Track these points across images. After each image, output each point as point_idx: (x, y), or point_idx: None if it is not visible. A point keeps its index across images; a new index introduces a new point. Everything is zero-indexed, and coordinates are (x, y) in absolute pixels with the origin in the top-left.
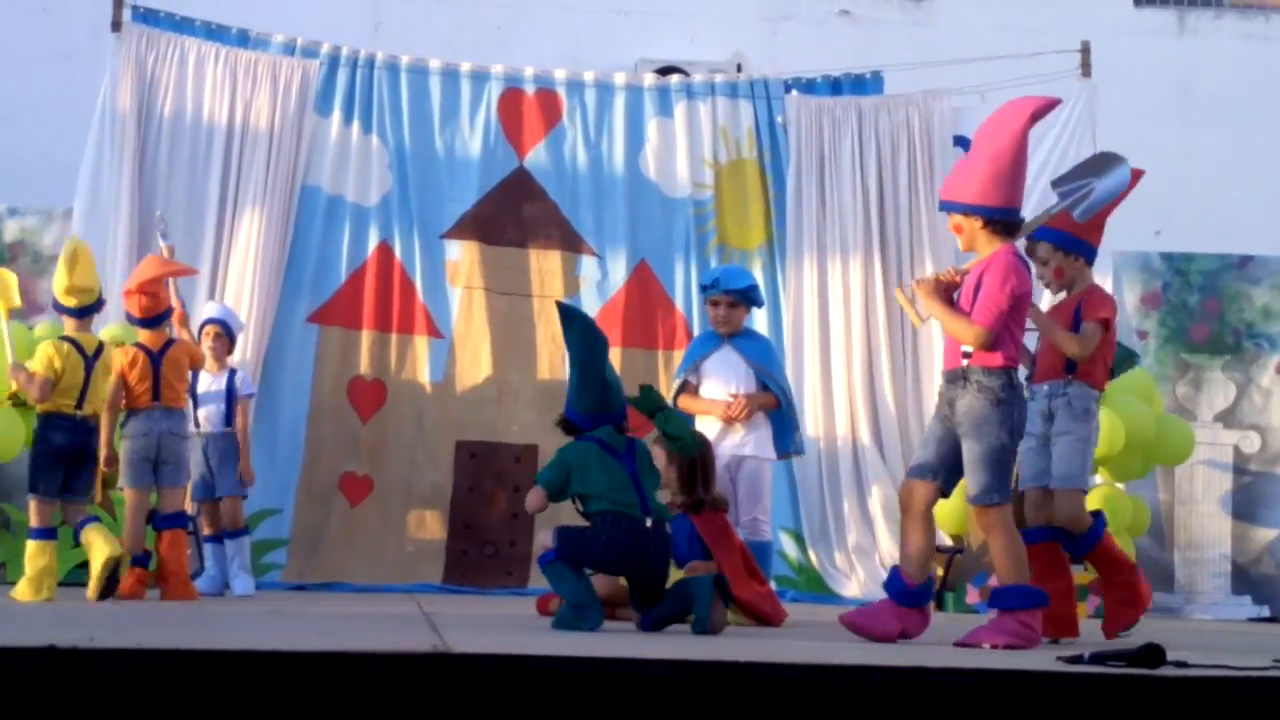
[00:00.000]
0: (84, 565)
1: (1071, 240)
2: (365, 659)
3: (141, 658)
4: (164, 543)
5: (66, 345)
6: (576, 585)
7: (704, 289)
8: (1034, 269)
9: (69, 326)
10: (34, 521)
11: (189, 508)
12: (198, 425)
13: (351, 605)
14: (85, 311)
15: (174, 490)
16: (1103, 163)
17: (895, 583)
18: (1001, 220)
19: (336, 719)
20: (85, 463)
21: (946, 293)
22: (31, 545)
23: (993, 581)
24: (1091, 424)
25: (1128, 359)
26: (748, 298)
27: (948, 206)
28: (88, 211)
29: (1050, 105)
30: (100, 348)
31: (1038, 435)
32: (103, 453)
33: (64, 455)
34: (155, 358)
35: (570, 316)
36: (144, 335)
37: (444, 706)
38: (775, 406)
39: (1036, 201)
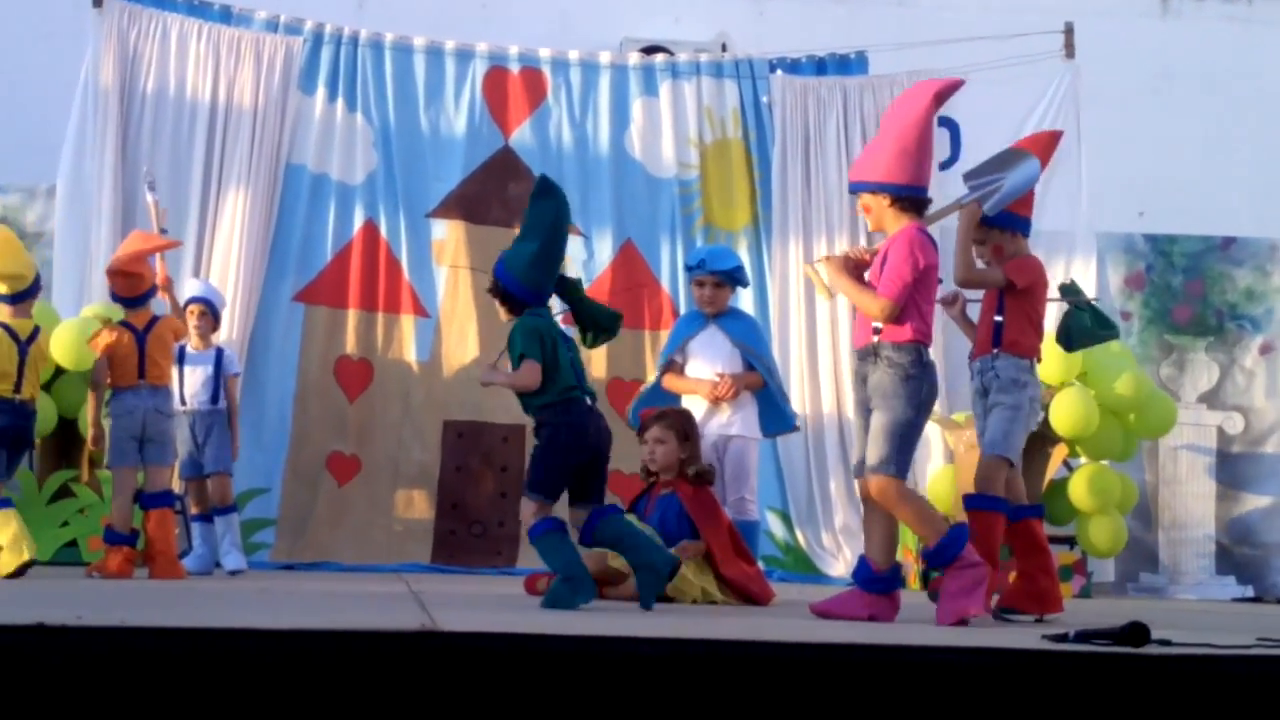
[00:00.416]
0: (72, 544)
1: (1003, 216)
2: (354, 637)
3: (130, 636)
4: (151, 521)
5: (0, 332)
6: (569, 558)
7: (689, 269)
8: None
9: (4, 312)
10: None
11: (176, 486)
12: (184, 403)
13: (339, 584)
14: (19, 297)
15: (160, 469)
16: (1012, 158)
17: (863, 570)
18: (908, 198)
19: (325, 697)
20: (23, 448)
21: (856, 270)
22: None
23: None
24: (1022, 394)
25: (1104, 328)
26: (733, 278)
27: (855, 187)
28: (71, 189)
29: (954, 86)
30: (35, 331)
31: (979, 414)
32: (90, 431)
33: (6, 438)
34: (140, 336)
35: (550, 190)
36: (128, 313)
37: (432, 685)
38: (761, 386)
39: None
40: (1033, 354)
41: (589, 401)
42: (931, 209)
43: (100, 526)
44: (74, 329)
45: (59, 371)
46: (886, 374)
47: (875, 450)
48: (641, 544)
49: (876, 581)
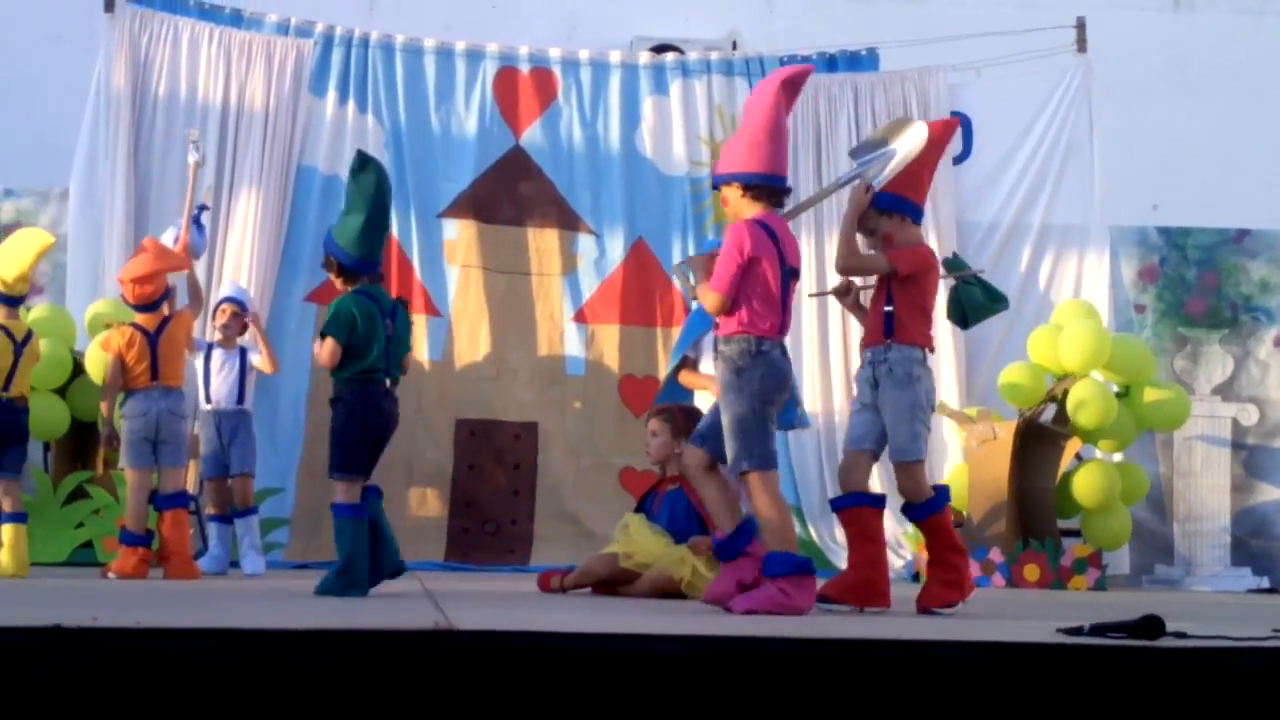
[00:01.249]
0: (88, 545)
1: (890, 199)
2: (369, 637)
3: (146, 637)
4: (166, 523)
5: None
6: (357, 551)
7: None
8: (862, 243)
9: (1, 312)
10: None
11: (193, 486)
12: (209, 401)
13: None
14: (16, 301)
15: (174, 470)
16: (898, 126)
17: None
18: (759, 186)
19: (340, 697)
20: (13, 442)
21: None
22: None
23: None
24: (916, 388)
25: (995, 300)
26: None
27: (714, 183)
28: (84, 192)
29: (804, 73)
30: (29, 334)
31: (867, 404)
32: (103, 431)
33: None
34: (152, 338)
35: (367, 163)
36: (140, 316)
37: (447, 683)
38: None
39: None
40: (925, 344)
41: (388, 384)
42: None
43: (115, 527)
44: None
45: (74, 374)
46: (721, 369)
47: (729, 450)
48: (382, 548)
49: (798, 565)
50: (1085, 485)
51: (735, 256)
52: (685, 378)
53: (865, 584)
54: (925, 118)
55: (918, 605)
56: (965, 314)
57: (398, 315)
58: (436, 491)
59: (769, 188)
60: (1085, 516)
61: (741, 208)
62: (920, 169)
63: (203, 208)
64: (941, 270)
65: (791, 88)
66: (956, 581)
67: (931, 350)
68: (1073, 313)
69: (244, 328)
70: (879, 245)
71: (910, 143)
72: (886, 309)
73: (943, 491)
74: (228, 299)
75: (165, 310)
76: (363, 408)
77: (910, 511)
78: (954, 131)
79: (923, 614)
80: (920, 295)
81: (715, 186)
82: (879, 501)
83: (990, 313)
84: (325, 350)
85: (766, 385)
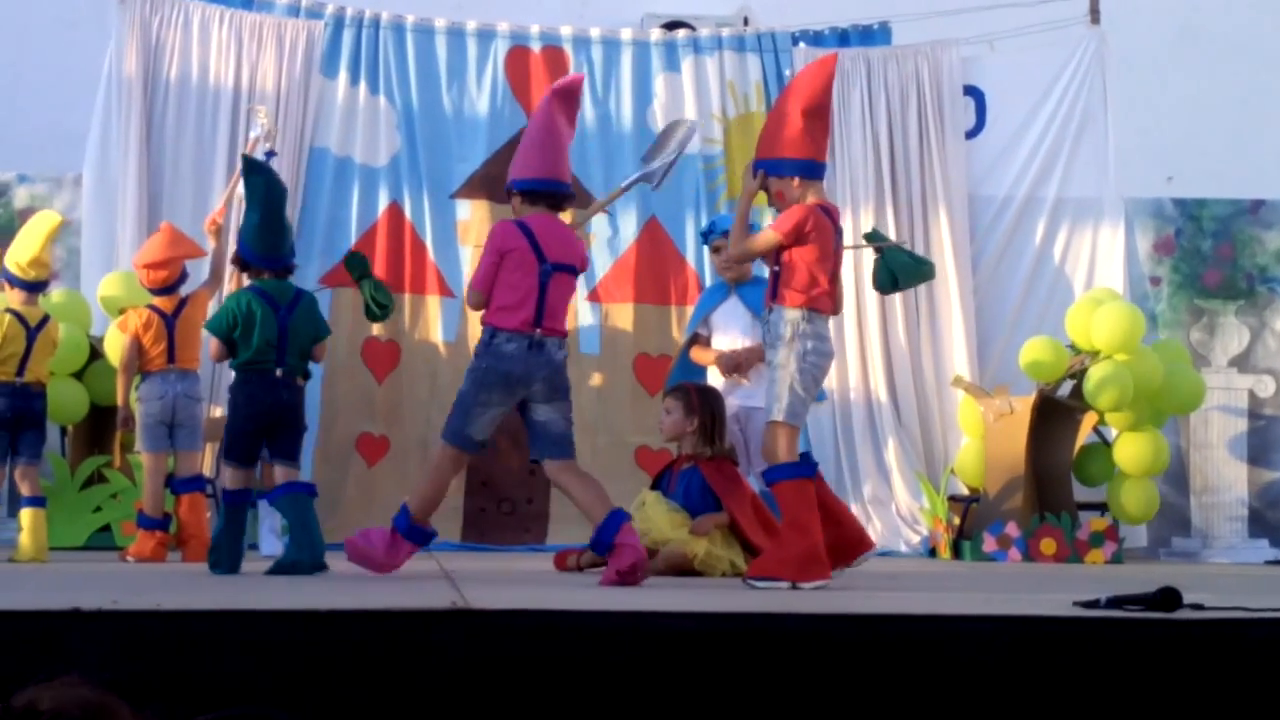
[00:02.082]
0: (105, 529)
1: (768, 163)
2: (386, 617)
3: (165, 620)
4: (183, 506)
5: (9, 317)
6: (231, 534)
7: (703, 237)
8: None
9: (15, 298)
10: None
11: (209, 469)
12: None
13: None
14: (38, 286)
15: (191, 453)
16: (674, 128)
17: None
18: (529, 191)
19: (358, 677)
20: (28, 427)
21: None
22: None
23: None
24: (793, 348)
25: (922, 264)
26: None
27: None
28: (97, 178)
29: (577, 82)
30: (44, 320)
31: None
32: (120, 414)
33: (5, 421)
34: (169, 320)
35: (254, 166)
36: (157, 298)
37: (464, 663)
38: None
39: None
40: (812, 305)
41: (279, 373)
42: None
43: (133, 511)
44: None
45: (91, 358)
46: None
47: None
48: (302, 540)
49: (414, 532)
50: (1126, 454)
51: (490, 256)
52: (696, 354)
53: (802, 556)
54: (938, 91)
55: (746, 575)
56: (895, 277)
57: (298, 307)
58: None
59: (543, 192)
60: (1112, 488)
61: (522, 211)
62: (803, 122)
63: (270, 154)
64: (860, 242)
65: (566, 96)
66: (788, 561)
67: (824, 311)
68: (1108, 303)
69: None
70: (774, 202)
71: (685, 142)
72: (774, 269)
73: (808, 462)
74: None
75: (182, 292)
76: (244, 398)
77: (765, 473)
78: (831, 69)
79: (744, 583)
80: (809, 256)
81: (506, 191)
82: (810, 469)
83: (919, 276)
84: (210, 348)
85: (489, 377)
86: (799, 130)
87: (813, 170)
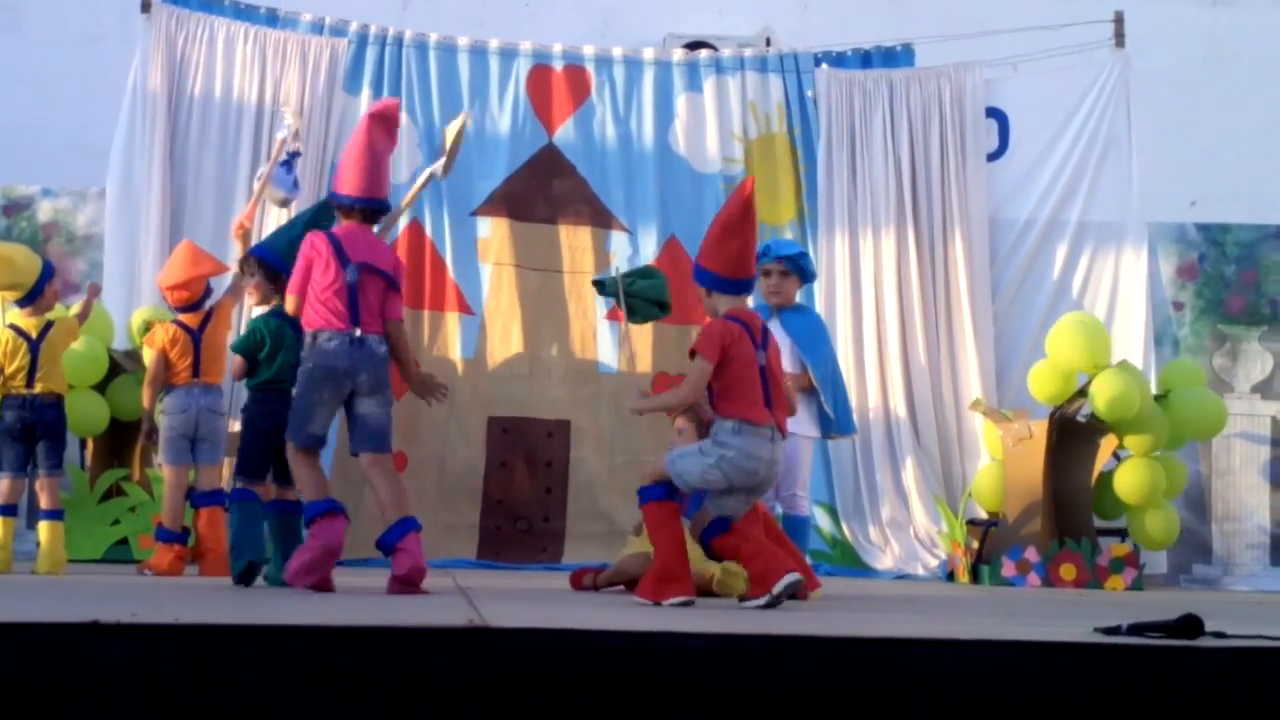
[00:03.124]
0: (123, 542)
1: (695, 271)
2: (403, 634)
3: (183, 633)
4: (202, 520)
5: (8, 333)
6: (239, 529)
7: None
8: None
9: (16, 314)
10: None
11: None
12: None
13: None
14: (28, 300)
15: (211, 467)
16: (451, 128)
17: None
18: (348, 206)
19: (375, 694)
20: (41, 437)
21: None
22: None
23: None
24: (720, 451)
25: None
26: (798, 265)
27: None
28: (120, 192)
29: (393, 107)
30: (48, 326)
31: None
32: (144, 426)
33: (18, 432)
34: (195, 335)
35: (331, 212)
36: (182, 314)
37: (481, 681)
38: (809, 389)
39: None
40: (743, 416)
41: (293, 393)
42: None
43: (151, 524)
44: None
45: (113, 372)
46: None
47: None
48: (286, 558)
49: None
50: (1128, 482)
51: (301, 264)
52: None
53: (659, 576)
54: (960, 113)
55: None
56: (660, 297)
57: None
58: (468, 489)
59: (358, 208)
60: (1133, 515)
61: (340, 222)
62: (718, 238)
63: (295, 154)
64: (604, 293)
65: (383, 120)
66: (649, 581)
67: (758, 422)
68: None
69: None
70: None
71: (461, 134)
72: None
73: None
74: None
75: (207, 307)
76: (260, 417)
77: (641, 491)
78: (747, 193)
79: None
80: (732, 369)
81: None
82: (673, 491)
83: (662, 306)
84: (234, 364)
85: (316, 374)
86: (713, 243)
87: (719, 284)
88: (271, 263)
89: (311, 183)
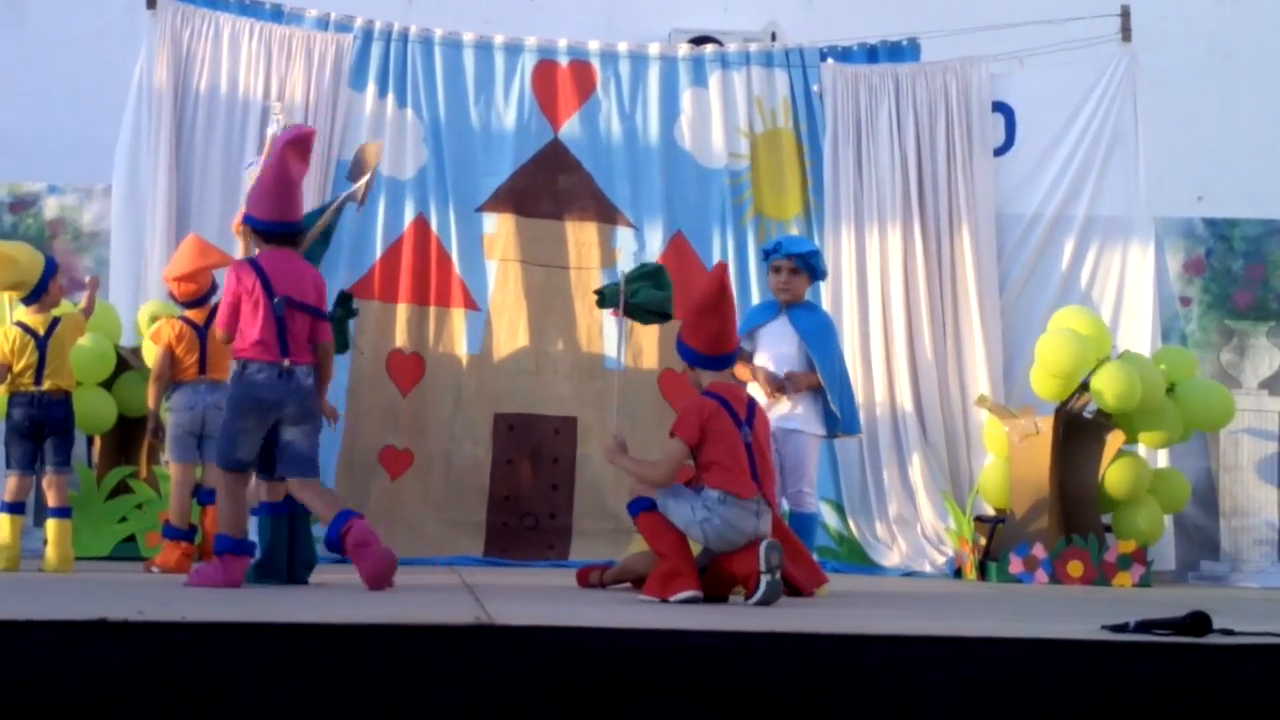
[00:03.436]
0: (130, 539)
1: (677, 345)
2: (410, 631)
3: (190, 631)
4: (209, 517)
5: (15, 331)
6: (273, 543)
7: (766, 255)
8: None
9: (23, 312)
10: (5, 495)
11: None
12: None
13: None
14: (33, 298)
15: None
16: (366, 151)
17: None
18: (264, 231)
19: (381, 690)
20: (49, 435)
21: None
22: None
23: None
24: (705, 515)
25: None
26: (808, 263)
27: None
28: (126, 188)
29: (309, 135)
30: (54, 323)
31: None
32: (150, 424)
33: (26, 429)
34: (201, 331)
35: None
36: (188, 310)
37: (488, 678)
38: (818, 387)
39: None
40: (727, 488)
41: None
42: None
43: (158, 522)
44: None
45: (120, 369)
46: None
47: None
48: (301, 555)
49: (239, 546)
50: (1115, 479)
51: (229, 297)
52: (738, 371)
53: (666, 574)
54: (966, 108)
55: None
56: (663, 308)
57: None
58: (475, 486)
59: (275, 233)
60: (1117, 513)
61: (261, 246)
62: (695, 317)
63: None
64: (605, 305)
65: (298, 146)
66: (655, 580)
67: (743, 495)
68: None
69: None
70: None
71: (378, 161)
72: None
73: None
74: None
75: (213, 303)
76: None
77: (628, 505)
78: (720, 278)
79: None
80: (714, 443)
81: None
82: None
83: (666, 302)
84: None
85: (243, 404)
86: (692, 324)
87: (700, 361)
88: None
89: (315, 179)
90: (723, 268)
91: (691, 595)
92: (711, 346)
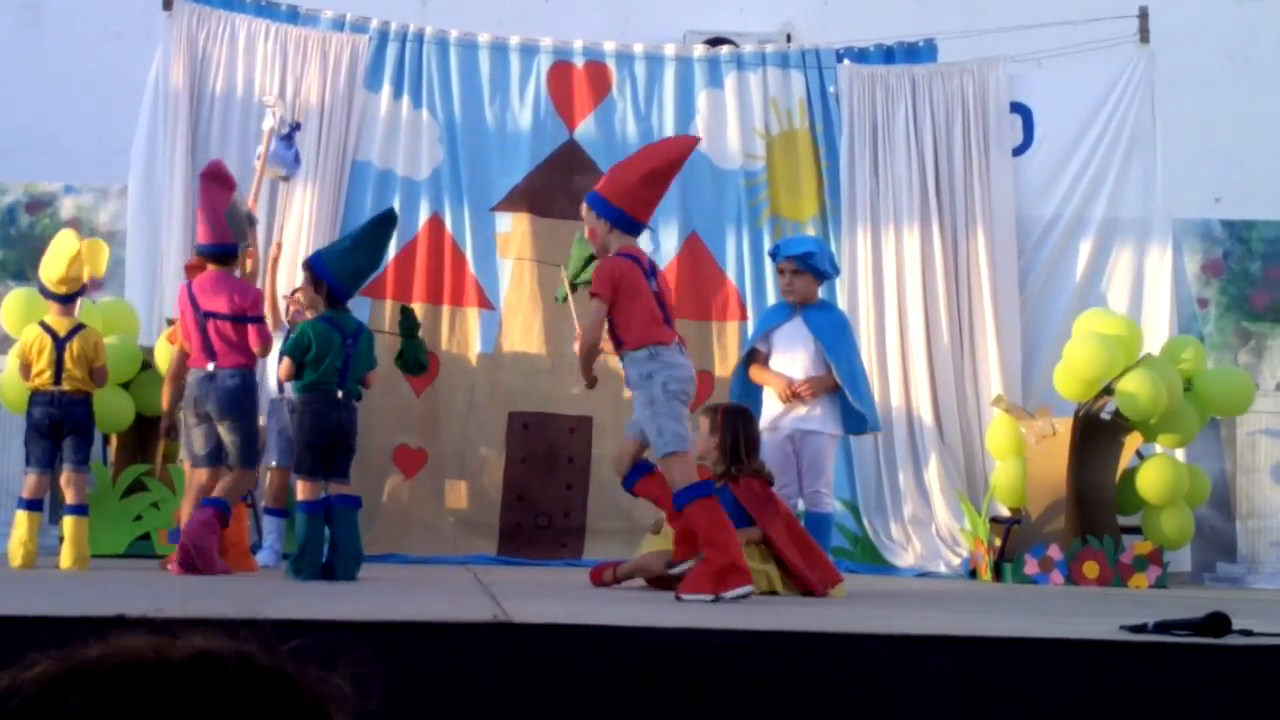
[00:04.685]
0: (145, 537)
1: (594, 196)
2: (428, 628)
3: (209, 627)
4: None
5: (38, 329)
6: (309, 540)
7: (770, 257)
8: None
9: (52, 310)
10: (23, 493)
11: (265, 476)
12: (283, 391)
13: (408, 576)
14: (69, 299)
15: None
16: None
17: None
18: (207, 254)
19: (399, 687)
20: (69, 434)
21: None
22: (16, 514)
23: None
24: (651, 384)
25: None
26: (808, 264)
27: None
28: (142, 188)
29: (220, 167)
30: (76, 329)
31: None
32: (164, 423)
33: (45, 427)
34: None
35: (389, 220)
36: None
37: (506, 675)
38: (835, 389)
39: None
40: (653, 340)
41: (339, 395)
42: None
43: (172, 520)
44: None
45: (142, 367)
46: None
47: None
48: (344, 550)
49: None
50: (1150, 481)
51: (180, 317)
52: (756, 374)
53: (722, 569)
54: (984, 109)
55: (676, 591)
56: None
57: (360, 337)
58: (489, 485)
59: (209, 255)
60: (1148, 514)
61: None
62: (638, 180)
63: (296, 125)
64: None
65: (215, 178)
66: (709, 575)
67: (665, 341)
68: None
69: None
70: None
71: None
72: (612, 323)
73: (707, 483)
74: (301, 287)
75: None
76: (309, 417)
77: (674, 498)
78: (689, 149)
79: (677, 599)
80: (629, 301)
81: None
82: (709, 488)
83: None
84: (282, 367)
85: (186, 405)
86: (633, 185)
87: (625, 223)
88: (318, 271)
89: (332, 180)
90: (694, 141)
91: (747, 591)
92: (640, 212)
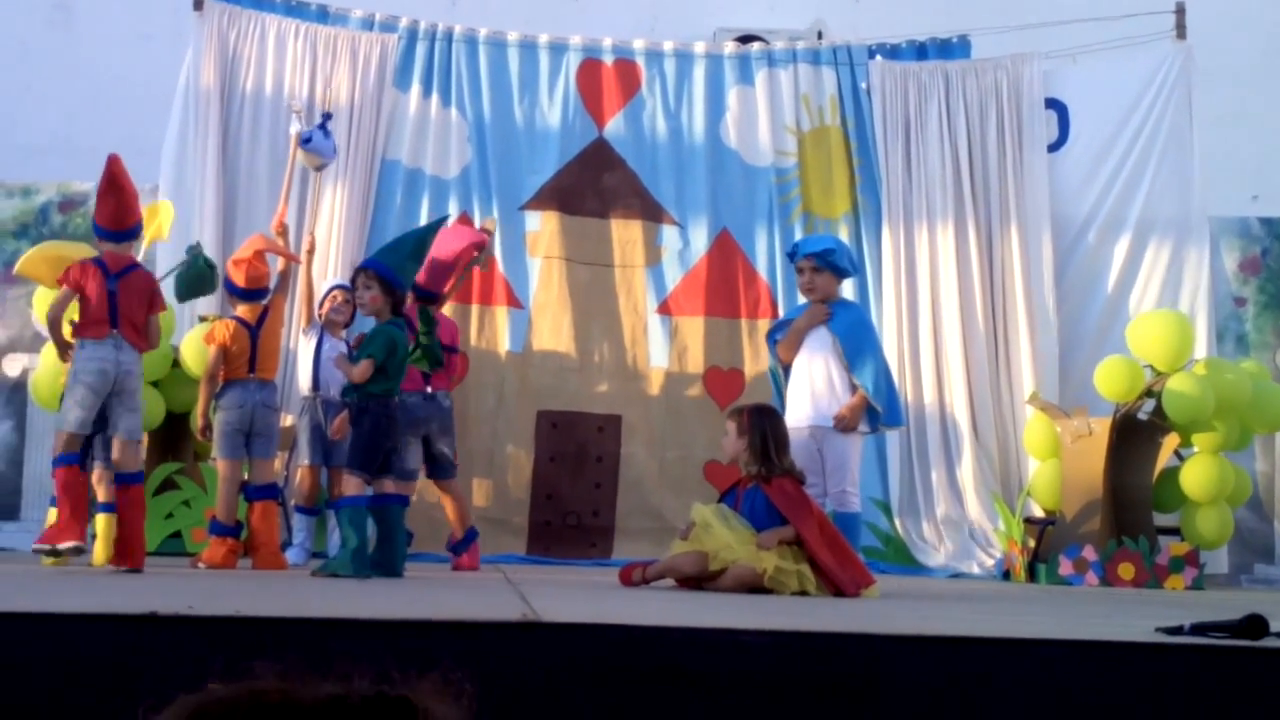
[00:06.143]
0: (176, 535)
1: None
2: (457, 627)
3: (241, 625)
4: (255, 513)
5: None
6: (361, 536)
7: (789, 257)
8: None
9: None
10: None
11: (295, 474)
12: (318, 388)
13: (437, 576)
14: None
15: (265, 461)
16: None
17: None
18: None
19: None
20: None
21: None
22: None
23: None
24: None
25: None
26: (827, 261)
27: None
28: (173, 189)
29: (112, 159)
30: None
31: None
32: (199, 422)
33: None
34: (254, 330)
35: (437, 226)
36: (242, 309)
37: (535, 674)
38: (863, 405)
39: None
40: (84, 334)
41: (395, 399)
42: None
43: (204, 518)
44: (199, 334)
45: (172, 365)
46: None
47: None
48: (388, 550)
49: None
50: (1194, 478)
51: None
52: (782, 350)
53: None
54: (1018, 105)
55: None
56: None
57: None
58: (517, 484)
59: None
60: (1186, 512)
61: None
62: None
63: (327, 115)
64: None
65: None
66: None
67: (94, 337)
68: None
69: (353, 318)
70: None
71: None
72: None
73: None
74: (338, 286)
75: (264, 303)
76: (386, 421)
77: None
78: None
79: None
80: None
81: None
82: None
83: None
84: (361, 368)
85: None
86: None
87: (108, 236)
88: (390, 280)
89: (361, 178)
90: (117, 158)
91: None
92: (117, 224)
